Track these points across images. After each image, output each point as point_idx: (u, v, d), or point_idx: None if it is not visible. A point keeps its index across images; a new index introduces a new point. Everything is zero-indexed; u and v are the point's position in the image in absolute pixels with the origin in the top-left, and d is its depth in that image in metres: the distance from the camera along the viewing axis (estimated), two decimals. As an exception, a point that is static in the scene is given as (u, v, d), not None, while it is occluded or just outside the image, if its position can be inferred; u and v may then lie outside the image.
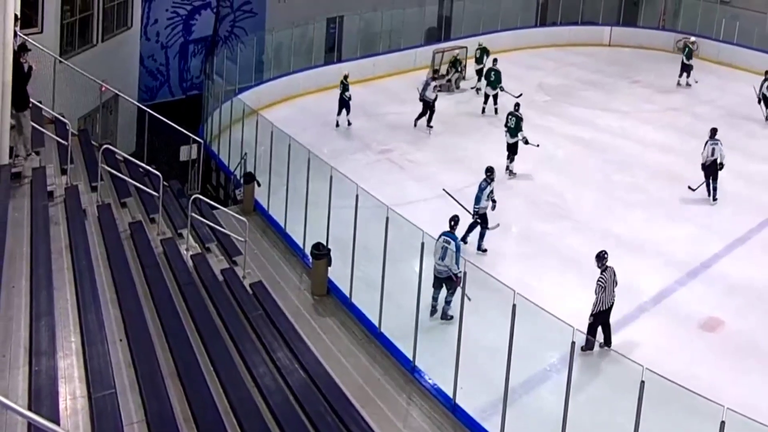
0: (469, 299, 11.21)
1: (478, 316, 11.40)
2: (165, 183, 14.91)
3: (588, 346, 11.87)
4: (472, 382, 10.92)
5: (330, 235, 14.00)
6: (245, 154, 18.45)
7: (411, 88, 26.45)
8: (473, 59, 26.43)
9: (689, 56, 27.71)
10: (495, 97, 23.89)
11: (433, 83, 22.37)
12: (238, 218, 15.67)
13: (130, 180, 15.23)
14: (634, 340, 12.89)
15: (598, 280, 12.23)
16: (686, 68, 27.72)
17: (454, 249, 12.89)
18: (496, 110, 23.69)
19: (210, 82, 23.07)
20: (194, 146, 19.27)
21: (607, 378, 10.98)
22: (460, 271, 12.03)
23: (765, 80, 23.63)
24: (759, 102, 22.62)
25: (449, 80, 25.97)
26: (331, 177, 13.97)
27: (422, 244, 11.64)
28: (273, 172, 16.71)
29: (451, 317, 12.90)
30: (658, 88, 27.94)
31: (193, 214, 14.30)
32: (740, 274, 15.47)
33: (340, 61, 26.65)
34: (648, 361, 8.68)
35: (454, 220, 13.46)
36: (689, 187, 18.20)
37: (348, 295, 13.23)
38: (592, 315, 12.19)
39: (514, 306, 9.78)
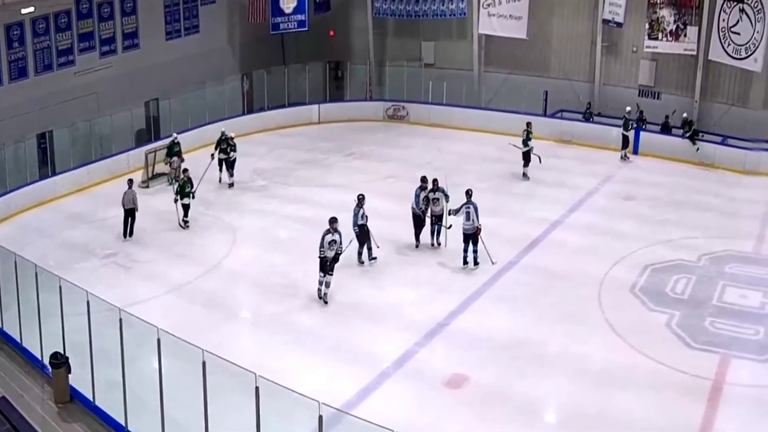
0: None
1: (223, 404, 11.47)
2: None
3: None
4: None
5: (67, 343, 14.21)
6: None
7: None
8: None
9: (626, 127, 27.39)
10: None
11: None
12: (-29, 340, 15.37)
13: None
14: (380, 408, 13.14)
15: None
16: (626, 140, 27.49)
17: (473, 210, 18.45)
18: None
19: None
20: None
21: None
22: (480, 224, 18.49)
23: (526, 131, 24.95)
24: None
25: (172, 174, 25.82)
26: (60, 287, 14.14)
27: (158, 340, 11.81)
28: (3, 291, 16.48)
29: (478, 264, 18.94)
30: (373, 158, 28.52)
31: None
32: (478, 328, 16.24)
33: (54, 174, 26.32)
34: (397, 424, 9.03)
35: (470, 192, 18.91)
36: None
37: (91, 398, 13.58)
38: None
39: (257, 388, 10.05)
